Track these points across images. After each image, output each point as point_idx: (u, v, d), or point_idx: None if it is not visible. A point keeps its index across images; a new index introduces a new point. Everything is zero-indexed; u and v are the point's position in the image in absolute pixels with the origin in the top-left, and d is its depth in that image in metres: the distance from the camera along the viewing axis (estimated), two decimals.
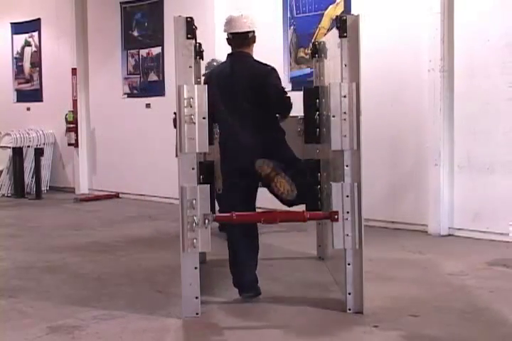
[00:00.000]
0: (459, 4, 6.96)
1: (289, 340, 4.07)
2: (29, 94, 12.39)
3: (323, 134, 5.27)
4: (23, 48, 12.50)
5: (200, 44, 5.64)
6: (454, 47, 6.99)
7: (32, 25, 12.12)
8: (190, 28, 4.35)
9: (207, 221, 4.32)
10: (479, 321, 4.26)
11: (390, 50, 7.49)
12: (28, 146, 11.43)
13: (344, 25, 4.34)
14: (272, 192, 4.80)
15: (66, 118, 11.36)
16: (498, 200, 6.75)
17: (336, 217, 4.35)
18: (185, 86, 4.31)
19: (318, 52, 5.71)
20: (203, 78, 5.75)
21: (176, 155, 4.51)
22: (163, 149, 9.32)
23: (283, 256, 5.99)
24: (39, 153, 11.22)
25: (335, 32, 4.47)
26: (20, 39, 12.49)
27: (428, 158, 7.19)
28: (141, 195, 10.48)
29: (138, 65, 10.55)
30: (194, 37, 4.45)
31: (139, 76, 10.55)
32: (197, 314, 4.37)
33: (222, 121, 5.01)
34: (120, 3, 10.70)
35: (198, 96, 4.32)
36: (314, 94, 5.50)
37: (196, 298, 4.38)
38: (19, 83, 12.63)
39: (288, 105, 5.02)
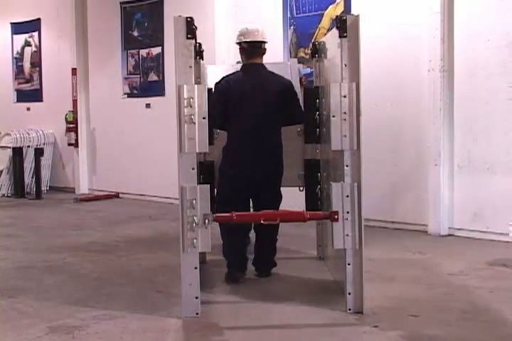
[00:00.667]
0: (459, 4, 6.96)
1: (289, 340, 4.08)
2: (29, 94, 12.38)
3: (323, 134, 5.28)
4: (23, 48, 12.50)
5: (200, 44, 5.64)
6: (454, 47, 6.99)
7: (32, 25, 12.12)
8: (190, 28, 4.35)
9: (207, 221, 4.32)
10: (479, 321, 4.25)
11: (390, 50, 7.50)
12: (28, 146, 11.42)
13: (344, 25, 4.34)
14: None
15: (66, 118, 11.36)
16: (498, 200, 6.75)
17: (336, 217, 4.35)
18: (185, 86, 4.31)
19: (318, 52, 5.72)
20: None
21: None
22: (163, 149, 9.32)
23: (283, 256, 5.98)
24: (39, 153, 11.21)
25: (335, 32, 4.47)
26: (20, 39, 12.49)
27: (428, 158, 7.19)
28: (141, 195, 10.48)
29: (138, 65, 10.55)
30: (194, 37, 4.45)
31: (139, 76, 10.55)
32: (197, 314, 4.37)
33: (236, 128, 5.21)
34: (120, 3, 10.70)
35: (198, 96, 4.32)
36: (314, 94, 5.52)
37: (196, 298, 4.38)
38: (19, 83, 12.63)
39: (303, 118, 5.44)
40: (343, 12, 7.72)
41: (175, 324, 4.29)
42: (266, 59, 5.44)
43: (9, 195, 11.23)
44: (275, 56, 7.95)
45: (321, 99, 5.35)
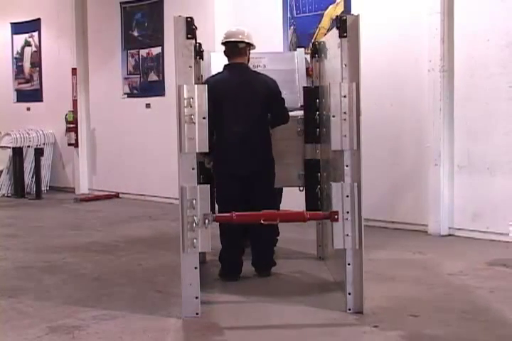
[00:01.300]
0: (459, 4, 6.95)
1: (289, 340, 4.07)
2: (29, 94, 12.38)
3: (323, 134, 5.28)
4: (23, 48, 12.50)
5: (200, 44, 5.65)
6: (454, 47, 6.99)
7: (32, 25, 12.12)
8: (190, 28, 4.35)
9: (207, 221, 4.32)
10: (479, 321, 4.25)
11: (389, 50, 7.49)
12: (28, 146, 11.42)
13: (344, 25, 4.34)
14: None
15: (66, 118, 11.35)
16: (498, 200, 6.75)
17: (336, 217, 4.35)
18: (185, 86, 4.31)
19: (318, 52, 5.72)
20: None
21: None
22: (163, 149, 9.32)
23: (283, 256, 5.98)
24: (39, 153, 11.21)
25: (335, 32, 4.47)
26: (20, 39, 12.49)
27: (428, 158, 7.19)
28: (141, 195, 10.48)
29: (138, 65, 10.54)
30: (194, 37, 4.46)
31: (139, 76, 10.55)
32: (197, 314, 4.37)
33: (222, 126, 5.20)
34: (120, 3, 10.70)
35: (198, 96, 4.32)
36: (314, 94, 5.52)
37: (196, 298, 4.38)
38: (19, 83, 12.62)
39: (286, 119, 5.45)
40: (343, 12, 7.72)
41: (175, 324, 4.29)
42: None
43: (9, 195, 11.23)
44: None
45: (321, 99, 5.35)
